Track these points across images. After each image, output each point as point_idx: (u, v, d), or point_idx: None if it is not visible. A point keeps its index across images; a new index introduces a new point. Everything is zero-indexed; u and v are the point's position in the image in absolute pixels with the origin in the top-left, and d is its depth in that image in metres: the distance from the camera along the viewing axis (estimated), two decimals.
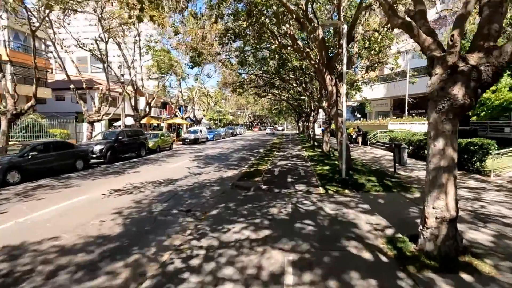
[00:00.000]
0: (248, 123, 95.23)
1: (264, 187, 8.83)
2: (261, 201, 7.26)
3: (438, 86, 3.87)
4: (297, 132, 57.81)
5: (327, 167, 11.78)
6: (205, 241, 4.74)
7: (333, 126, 32.82)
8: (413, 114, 29.20)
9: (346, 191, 8.02)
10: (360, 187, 8.29)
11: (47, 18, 15.80)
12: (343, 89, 9.23)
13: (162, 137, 20.89)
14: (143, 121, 29.93)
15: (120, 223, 5.70)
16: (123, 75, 24.77)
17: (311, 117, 24.26)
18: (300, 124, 56.70)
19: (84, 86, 20.45)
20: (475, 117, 14.64)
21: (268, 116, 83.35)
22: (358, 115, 69.54)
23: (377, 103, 42.93)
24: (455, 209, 3.89)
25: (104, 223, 5.71)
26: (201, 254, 4.27)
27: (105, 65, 20.56)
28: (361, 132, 23.09)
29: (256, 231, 5.17)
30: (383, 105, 43.53)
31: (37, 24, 15.04)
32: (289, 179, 9.81)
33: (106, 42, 19.70)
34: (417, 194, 7.56)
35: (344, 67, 9.05)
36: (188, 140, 27.93)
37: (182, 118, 39.26)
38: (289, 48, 11.71)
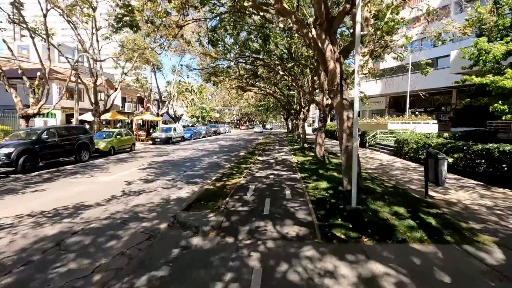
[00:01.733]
0: (235, 121, 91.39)
1: (224, 224, 5.21)
2: (209, 266, 3.64)
3: None
4: (286, 131, 54.43)
5: (324, 183, 8.24)
6: None
7: (330, 124, 28.73)
8: (417, 113, 26.13)
9: (365, 239, 4.48)
10: (385, 230, 4.77)
11: None
12: (356, 62, 5.69)
13: (118, 137, 16.93)
14: (106, 117, 25.78)
15: None
16: (77, 62, 20.59)
17: (301, 114, 20.78)
18: (289, 123, 53.42)
19: (20, 72, 16.22)
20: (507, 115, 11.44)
21: (256, 114, 79.78)
22: None
23: (372, 100, 39.88)
24: None
25: None
26: None
27: (46, 43, 16.39)
28: (360, 133, 19.77)
29: None
30: (378, 103, 40.58)
31: None
32: (266, 208, 6.21)
33: (45, 15, 15.54)
34: (496, 251, 4.10)
35: (357, 27, 5.50)
36: (158, 140, 24.00)
37: (157, 114, 35.16)
38: (270, 9, 8.06)
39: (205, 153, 17.94)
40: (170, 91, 35.80)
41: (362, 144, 20.59)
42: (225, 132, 48.94)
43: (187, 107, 60.41)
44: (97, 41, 20.83)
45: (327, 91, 6.79)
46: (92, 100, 22.17)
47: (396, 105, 38.12)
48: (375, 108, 41.89)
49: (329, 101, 13.73)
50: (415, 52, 22.50)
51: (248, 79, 22.43)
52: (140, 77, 35.55)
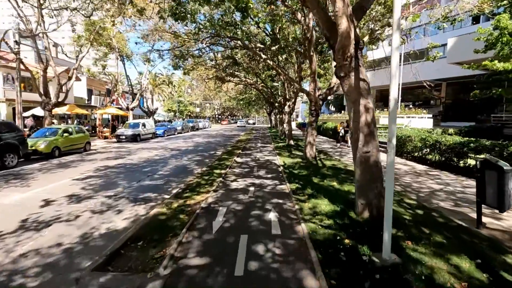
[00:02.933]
0: (217, 116, 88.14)
1: None
2: None
3: None
4: (269, 126, 52.15)
5: (325, 203, 5.85)
6: None
7: (329, 123, 26.67)
8: (410, 106, 24.48)
9: None
10: None
11: None
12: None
13: (65, 135, 13.79)
14: (63, 111, 22.25)
15: None
16: (17, 43, 17.03)
17: (286, 108, 18.40)
18: (273, 118, 51.11)
19: None
20: None
21: (239, 108, 76.91)
22: (333, 108, 65.66)
23: None
24: None
25: None
26: None
27: None
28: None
29: None
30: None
31: None
32: (241, 259, 3.72)
33: None
34: None
35: None
36: (124, 137, 20.84)
37: (127, 108, 31.67)
38: None
39: (175, 153, 15.17)
40: (142, 83, 32.30)
41: None
42: (205, 128, 45.90)
43: (163, 100, 56.64)
44: (43, 20, 17.32)
45: (336, 67, 4.29)
46: (41, 90, 18.69)
47: (384, 98, 36.72)
48: None
49: (323, 91, 11.41)
50: (413, 39, 20.62)
51: (226, 68, 19.72)
52: (108, 66, 31.83)
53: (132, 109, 31.83)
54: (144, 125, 22.87)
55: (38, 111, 21.96)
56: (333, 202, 5.81)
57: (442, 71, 23.38)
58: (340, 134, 17.73)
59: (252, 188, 7.40)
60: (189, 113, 68.98)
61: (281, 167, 10.34)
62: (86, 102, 35.48)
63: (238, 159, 12.66)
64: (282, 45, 12.50)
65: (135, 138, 21.20)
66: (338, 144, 17.86)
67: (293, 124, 47.80)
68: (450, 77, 24.11)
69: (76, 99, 32.28)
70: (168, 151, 15.96)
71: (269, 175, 9.21)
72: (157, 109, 39.82)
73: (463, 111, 24.16)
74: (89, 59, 32.72)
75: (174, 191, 7.40)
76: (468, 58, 16.11)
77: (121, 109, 36.06)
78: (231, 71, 19.82)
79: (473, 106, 24.83)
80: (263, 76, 23.08)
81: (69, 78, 18.92)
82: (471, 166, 8.66)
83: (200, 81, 24.57)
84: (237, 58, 17.32)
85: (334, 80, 10.81)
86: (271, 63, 11.67)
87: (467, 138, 9.23)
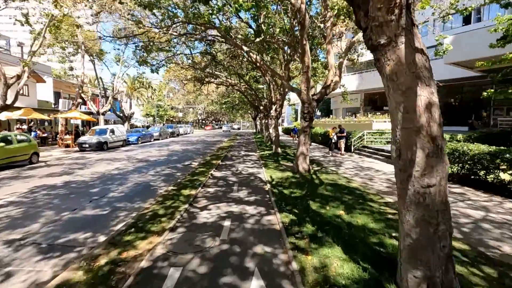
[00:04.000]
0: (201, 121, 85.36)
1: None
2: None
3: None
4: (254, 131, 50.14)
5: (340, 262, 3.75)
6: None
7: (317, 128, 25.75)
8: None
9: None
10: None
11: None
12: None
13: (1, 144, 11.10)
14: (16, 116, 19.23)
15: None
16: None
17: (272, 111, 16.39)
18: (258, 123, 49.16)
19: None
20: None
21: (223, 113, 74.55)
22: (319, 113, 64.58)
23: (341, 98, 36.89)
24: None
25: None
26: None
27: None
28: (345, 134, 15.88)
29: None
30: (352, 100, 37.73)
31: None
32: None
33: None
34: None
35: None
36: (87, 146, 18.11)
37: (98, 112, 28.75)
38: None
39: (142, 165, 12.75)
40: (114, 85, 29.49)
41: (347, 148, 16.75)
42: (186, 133, 43.22)
43: (142, 105, 53.57)
44: None
45: (372, 29, 2.11)
46: None
47: (372, 102, 35.57)
48: (349, 105, 39.10)
49: (317, 90, 9.46)
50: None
51: (205, 68, 17.53)
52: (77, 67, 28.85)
53: (103, 114, 28.92)
54: (112, 131, 20.19)
55: None
56: (350, 253, 3.73)
57: (437, 72, 22.18)
58: (333, 141, 15.87)
59: (227, 223, 5.22)
60: (171, 118, 65.96)
61: (268, 185, 8.21)
62: (53, 106, 32.17)
63: (216, 173, 10.44)
64: (267, 37, 10.48)
65: (100, 147, 18.51)
66: (331, 152, 16.00)
67: (279, 129, 46.11)
68: (440, 79, 22.98)
69: (41, 102, 29.03)
70: (134, 162, 13.50)
71: (252, 197, 7.06)
72: (133, 113, 36.89)
73: (453, 115, 23.08)
74: (54, 59, 29.66)
75: (116, 228, 5.13)
76: (470, 57, 14.75)
77: (91, 113, 33.06)
78: (210, 71, 17.66)
79: (463, 110, 23.89)
80: (247, 77, 21.08)
81: (18, 77, 16.08)
82: (505, 181, 6.87)
83: (177, 82, 22.17)
84: (216, 55, 15.19)
85: (331, 77, 8.88)
86: (254, 56, 9.62)
87: (496, 147, 7.46)
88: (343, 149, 15.79)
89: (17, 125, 22.71)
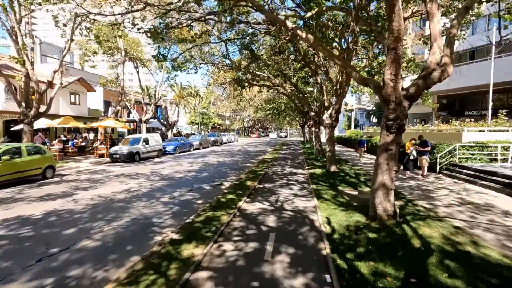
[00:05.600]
0: (247, 129, 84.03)
1: None
2: None
3: None
4: (302, 140, 46.14)
5: None
6: None
7: (377, 138, 19.07)
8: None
9: None
10: None
11: None
12: None
13: (4, 158, 9.56)
14: (53, 124, 18.73)
15: None
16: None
17: (325, 118, 12.79)
18: (306, 130, 45.16)
19: None
20: None
21: (270, 121, 71.96)
22: (375, 120, 57.75)
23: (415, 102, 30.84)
24: None
25: None
26: None
27: None
28: (429, 148, 11.49)
29: None
30: (420, 105, 31.74)
31: None
32: None
33: None
34: None
35: None
36: (118, 156, 16.61)
37: (140, 120, 28.16)
38: None
39: (161, 185, 10.27)
40: (156, 91, 28.75)
41: (431, 169, 12.28)
42: (230, 142, 41.28)
43: (189, 113, 53.70)
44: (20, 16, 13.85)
45: None
46: (19, 98, 15.25)
47: (448, 106, 29.17)
48: (417, 111, 32.90)
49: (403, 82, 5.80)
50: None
51: (246, 68, 14.77)
52: (120, 75, 28.85)
53: (145, 122, 28.28)
54: (146, 141, 18.57)
55: (37, 123, 18.44)
56: None
57: None
58: (411, 158, 11.58)
59: None
60: (218, 126, 65.51)
61: (326, 241, 4.77)
62: (103, 114, 32.90)
63: (247, 206, 7.31)
64: (323, 9, 7.13)
65: (132, 157, 16.88)
66: (407, 173, 11.74)
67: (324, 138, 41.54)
68: None
69: (91, 111, 29.65)
70: (155, 180, 11.12)
71: (298, 279, 3.72)
72: (177, 121, 36.17)
73: None
74: (101, 67, 30.18)
75: None
76: None
77: (134, 121, 32.99)
78: (251, 70, 14.83)
79: None
80: (295, 79, 17.81)
81: (49, 84, 15.19)
82: None
83: (217, 86, 19.95)
84: (255, 49, 12.30)
85: (436, 56, 5.17)
86: (303, 34, 6.32)
87: None
88: (425, 169, 11.39)
89: (100, 132, 22.43)
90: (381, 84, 5.45)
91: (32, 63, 15.21)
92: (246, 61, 15.30)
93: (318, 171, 12.65)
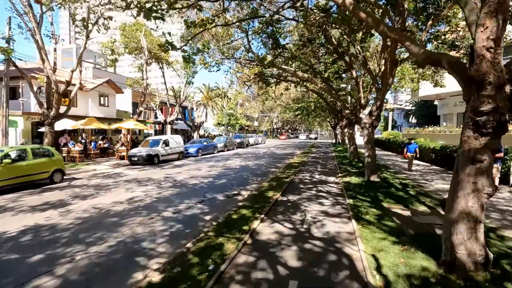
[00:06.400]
0: (275, 130, 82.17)
1: None
2: None
3: None
4: (333, 141, 43.27)
5: None
6: None
7: (420, 140, 19.07)
8: None
9: None
10: None
11: None
12: None
13: (5, 161, 8.87)
14: (77, 125, 18.51)
15: None
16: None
17: (363, 116, 10.71)
18: (338, 132, 42.27)
19: None
20: None
21: (300, 122, 69.42)
22: (414, 120, 52.92)
23: (456, 100, 27.08)
24: None
25: None
26: None
27: None
28: (501, 153, 8.98)
29: None
30: (462, 103, 27.74)
31: None
32: None
33: None
34: None
35: None
36: (136, 159, 15.83)
37: (165, 121, 27.73)
38: None
39: (170, 193, 8.99)
40: (181, 92, 28.15)
41: (503, 180, 9.71)
42: (257, 144, 39.82)
43: (216, 114, 53.21)
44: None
45: None
46: (40, 98, 15.07)
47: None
48: (461, 110, 28.86)
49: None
50: None
51: (272, 62, 13.15)
52: (144, 75, 28.67)
53: (170, 123, 27.79)
54: (166, 143, 17.68)
55: (62, 124, 18.37)
56: None
57: None
58: None
59: None
60: (246, 127, 64.49)
61: None
62: (131, 115, 33.19)
63: (264, 228, 5.66)
64: None
65: (150, 160, 16.02)
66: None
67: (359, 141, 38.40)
68: None
69: (119, 112, 29.92)
70: (165, 188, 9.89)
71: None
72: (203, 122, 35.49)
73: None
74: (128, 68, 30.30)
75: None
76: None
77: (159, 123, 32.79)
78: (276, 63, 13.18)
79: None
80: (327, 74, 15.83)
81: (68, 84, 14.76)
82: None
83: (240, 84, 18.57)
84: (279, 37, 10.65)
85: None
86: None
87: None
88: (497, 180, 8.89)
89: (123, 133, 21.14)
90: (460, 60, 3.51)
91: (55, 64, 14.94)
92: (271, 55, 13.69)
93: (355, 180, 10.61)
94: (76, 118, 19.73)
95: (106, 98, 27.76)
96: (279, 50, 11.75)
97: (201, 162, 17.97)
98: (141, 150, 16.18)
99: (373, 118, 9.99)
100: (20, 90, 19.70)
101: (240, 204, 7.60)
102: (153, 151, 16.39)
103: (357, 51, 11.75)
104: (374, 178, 9.88)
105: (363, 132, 10.35)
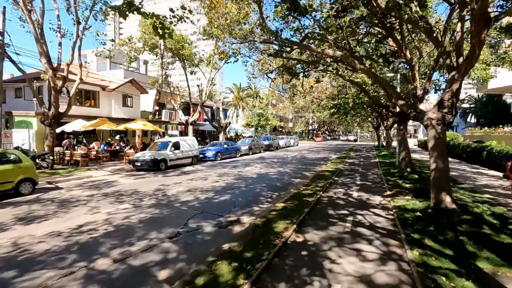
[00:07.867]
0: (311, 131, 77.64)
1: None
2: None
3: None
4: (376, 144, 38.17)
5: None
6: None
7: (493, 143, 13.28)
8: None
9: None
10: None
11: None
12: None
13: None
14: (85, 126, 17.12)
15: None
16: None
17: (428, 110, 7.15)
18: (382, 133, 37.15)
19: None
20: None
21: (338, 122, 64.23)
22: (473, 120, 45.19)
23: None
24: None
25: None
26: None
27: None
28: None
29: None
30: None
31: None
32: None
33: None
34: None
35: None
36: (140, 164, 13.79)
37: (186, 122, 25.89)
38: None
39: (144, 217, 6.45)
40: (202, 91, 26.13)
41: None
42: (288, 146, 36.46)
43: (246, 115, 50.95)
44: None
45: None
46: (47, 98, 13.76)
47: None
48: None
49: None
50: None
51: (301, 43, 10.09)
52: (170, 77, 27.22)
53: (192, 124, 25.88)
54: (176, 145, 15.43)
55: (70, 126, 17.30)
56: None
57: None
58: None
59: None
60: (280, 128, 61.35)
61: None
62: (157, 116, 32.20)
63: None
64: None
65: (156, 165, 13.87)
66: None
67: (411, 143, 33.12)
68: None
69: (144, 113, 28.96)
70: (138, 208, 7.37)
71: None
72: (229, 123, 33.23)
73: None
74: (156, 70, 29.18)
75: None
76: None
77: (182, 124, 31.18)
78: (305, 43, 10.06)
79: None
80: (368, 62, 12.26)
81: (64, 79, 13.18)
82: None
83: (262, 76, 15.71)
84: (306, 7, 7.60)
85: None
86: None
87: None
88: None
89: (137, 134, 19.88)
90: None
91: (64, 61, 13.56)
92: (289, 29, 10.56)
93: (413, 203, 7.08)
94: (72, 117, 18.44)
95: (130, 98, 26.83)
96: (299, 22, 8.63)
97: (215, 168, 15.40)
98: (145, 154, 14.10)
99: (445, 111, 6.43)
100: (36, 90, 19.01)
101: (227, 246, 4.72)
102: (159, 155, 14.21)
103: (415, 17, 8.18)
104: (447, 203, 6.30)
105: (428, 132, 6.80)
